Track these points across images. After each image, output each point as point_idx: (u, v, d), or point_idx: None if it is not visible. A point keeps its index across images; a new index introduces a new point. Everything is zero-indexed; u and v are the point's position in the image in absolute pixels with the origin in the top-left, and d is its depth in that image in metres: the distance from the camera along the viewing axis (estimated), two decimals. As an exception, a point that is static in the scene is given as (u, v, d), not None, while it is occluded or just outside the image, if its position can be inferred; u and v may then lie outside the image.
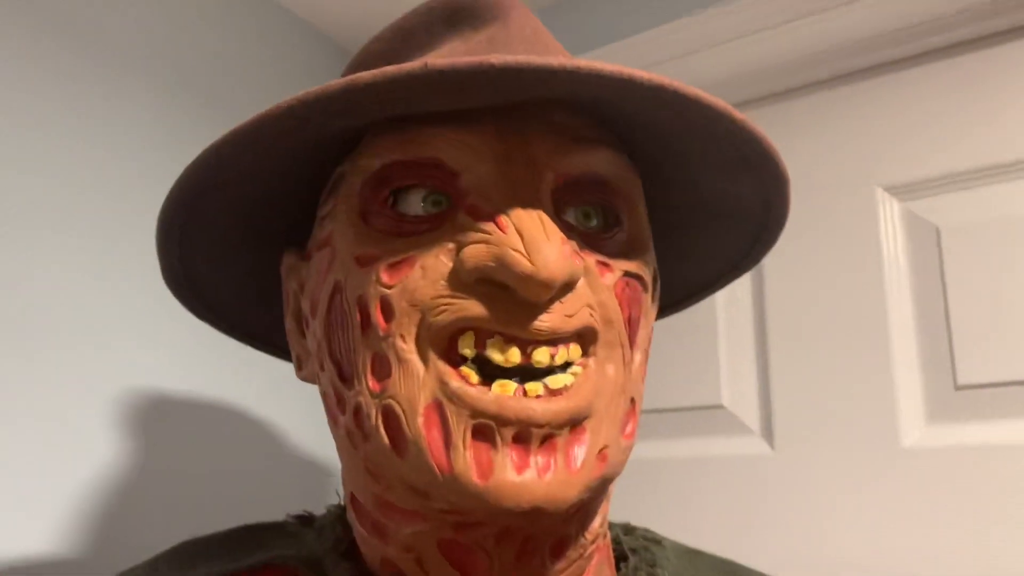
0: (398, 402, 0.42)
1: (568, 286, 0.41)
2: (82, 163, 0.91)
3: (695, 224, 0.57)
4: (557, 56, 0.49)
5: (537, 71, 0.38)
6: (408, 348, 0.42)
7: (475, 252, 0.41)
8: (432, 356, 0.42)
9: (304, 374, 0.53)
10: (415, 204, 0.44)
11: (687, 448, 1.05)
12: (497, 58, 0.37)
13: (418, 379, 0.41)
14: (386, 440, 0.42)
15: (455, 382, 0.41)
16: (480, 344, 0.41)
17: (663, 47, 1.06)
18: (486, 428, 0.40)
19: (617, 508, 1.04)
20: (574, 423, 0.42)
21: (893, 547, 0.88)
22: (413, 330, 0.42)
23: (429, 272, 0.42)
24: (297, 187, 0.51)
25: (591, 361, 0.44)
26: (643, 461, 1.07)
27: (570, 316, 0.42)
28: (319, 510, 0.66)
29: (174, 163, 1.01)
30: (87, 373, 0.89)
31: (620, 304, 0.45)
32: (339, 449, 0.50)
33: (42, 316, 0.86)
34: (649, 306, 0.49)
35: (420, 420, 0.41)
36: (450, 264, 0.42)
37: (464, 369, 0.41)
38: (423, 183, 0.44)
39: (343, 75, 0.57)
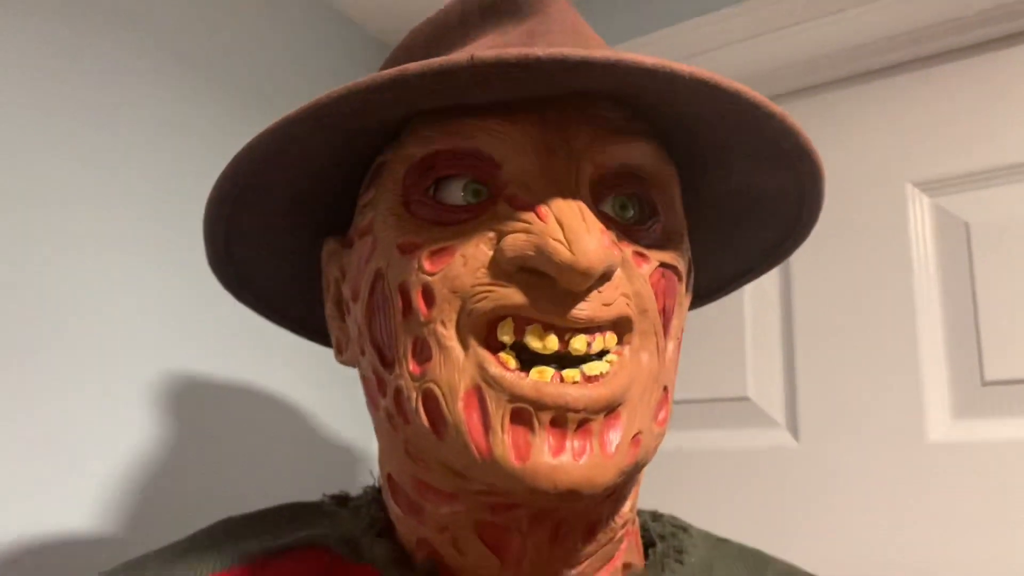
0: (438, 386, 0.42)
1: (606, 276, 0.42)
2: (122, 152, 0.93)
3: (729, 216, 0.57)
4: (600, 48, 0.49)
5: (580, 63, 0.38)
6: (448, 334, 0.43)
7: (516, 241, 0.41)
8: (472, 342, 0.42)
9: (344, 358, 0.54)
10: (455, 193, 0.45)
11: (712, 439, 1.05)
12: (542, 50, 0.37)
13: (458, 364, 0.42)
14: (426, 422, 0.43)
15: (494, 368, 0.41)
16: (519, 331, 0.42)
17: (695, 41, 1.05)
18: (524, 412, 0.41)
19: (642, 497, 1.05)
20: (609, 409, 0.42)
21: (917, 541, 0.88)
22: (454, 316, 0.43)
23: (470, 260, 0.43)
24: (335, 176, 0.51)
25: (626, 349, 0.44)
26: (668, 451, 1.07)
27: (607, 305, 0.43)
28: (346, 492, 0.67)
29: (209, 153, 1.02)
30: (124, 357, 0.91)
31: (655, 294, 0.46)
32: (378, 431, 0.51)
33: (83, 303, 0.88)
34: (683, 296, 0.50)
35: (460, 404, 0.42)
36: (490, 253, 0.43)
37: (503, 355, 0.42)
38: (464, 173, 0.45)
39: (384, 67, 0.58)
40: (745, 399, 1.04)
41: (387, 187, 0.47)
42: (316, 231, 0.58)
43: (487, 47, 0.49)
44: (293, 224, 0.56)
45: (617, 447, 0.42)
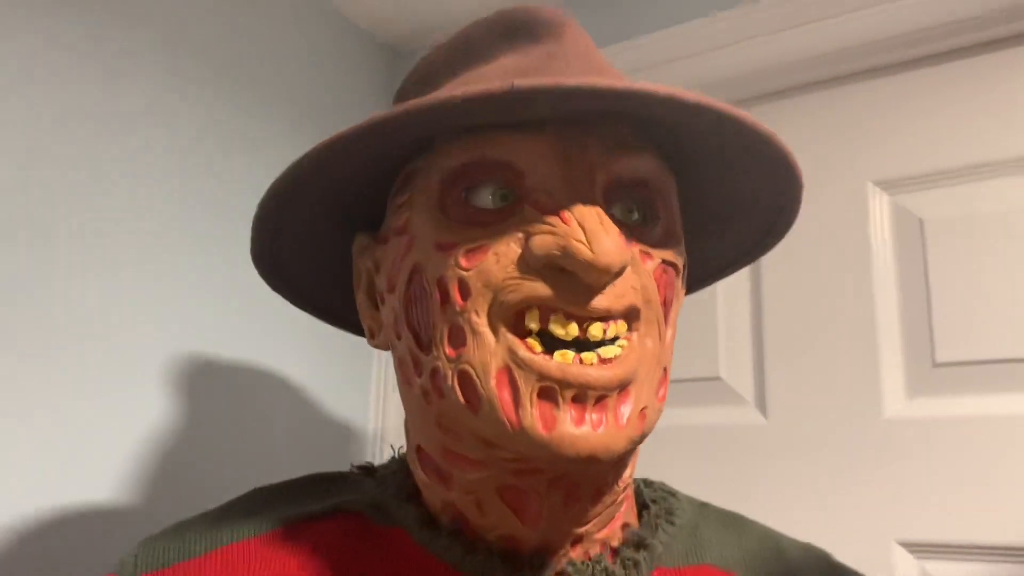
0: (472, 367, 0.47)
1: (620, 272, 0.47)
2: (141, 152, 0.96)
3: (718, 217, 0.62)
4: (618, 77, 0.54)
5: (606, 92, 0.43)
6: (481, 322, 0.47)
7: (543, 241, 0.46)
8: (502, 329, 0.47)
9: (376, 342, 0.58)
10: (484, 198, 0.49)
11: (687, 416, 1.08)
12: (574, 80, 0.42)
13: (490, 348, 0.47)
14: (461, 398, 0.48)
15: (523, 351, 0.46)
16: (544, 320, 0.47)
17: (670, 48, 1.09)
18: (550, 390, 0.46)
19: (621, 470, 1.10)
20: (621, 387, 0.47)
21: (875, 510, 0.93)
22: (486, 306, 0.47)
23: (501, 258, 0.47)
24: (363, 178, 0.56)
25: (634, 335, 0.49)
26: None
27: (620, 297, 0.48)
28: (345, 465, 0.71)
29: (219, 153, 1.06)
30: (140, 341, 0.94)
31: (658, 287, 0.51)
32: (409, 407, 0.55)
33: (107, 289, 0.91)
34: (679, 289, 0.55)
35: (492, 382, 0.46)
36: (519, 251, 0.47)
37: (529, 340, 0.47)
38: (493, 180, 0.49)
39: (409, 80, 0.62)
40: (717, 379, 1.08)
41: (422, 191, 0.52)
42: (342, 226, 0.62)
43: (509, 66, 0.54)
44: (323, 221, 0.60)
45: (628, 419, 0.48)
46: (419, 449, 0.56)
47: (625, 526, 0.58)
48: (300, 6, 1.20)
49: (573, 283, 0.46)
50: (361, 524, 0.58)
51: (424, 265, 0.50)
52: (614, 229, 0.46)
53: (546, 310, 0.47)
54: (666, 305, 0.52)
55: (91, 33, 0.91)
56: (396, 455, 0.65)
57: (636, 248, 0.50)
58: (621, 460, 0.52)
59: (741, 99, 1.12)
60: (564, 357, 0.46)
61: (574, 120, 0.50)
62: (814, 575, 0.64)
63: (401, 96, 0.62)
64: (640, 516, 0.62)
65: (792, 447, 1.00)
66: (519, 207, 0.49)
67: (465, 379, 0.48)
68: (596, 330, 0.47)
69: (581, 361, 0.47)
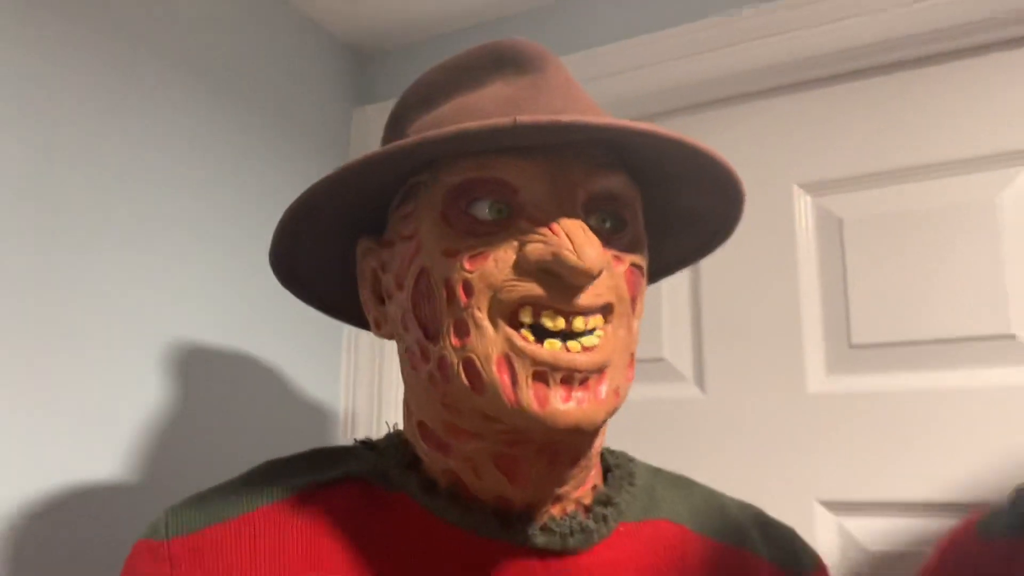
0: (476, 355, 0.54)
1: (599, 274, 0.55)
2: (140, 154, 1.00)
3: (678, 222, 0.70)
4: (594, 108, 0.62)
5: (593, 128, 0.51)
6: (483, 316, 0.55)
7: (536, 249, 0.54)
8: (500, 322, 0.54)
9: (382, 332, 0.65)
10: (482, 210, 0.56)
11: (635, 393, 1.15)
12: (567, 117, 0.50)
13: (491, 338, 0.54)
14: (466, 382, 0.55)
15: (519, 341, 0.54)
16: (536, 315, 0.54)
17: (620, 60, 1.18)
18: (543, 373, 0.53)
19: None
20: (600, 370, 0.55)
21: (798, 473, 1.01)
22: (487, 303, 0.55)
23: (500, 263, 0.55)
24: (368, 191, 0.62)
25: (609, 327, 0.57)
26: None
27: (598, 295, 0.56)
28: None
29: (209, 154, 1.10)
30: (143, 324, 0.99)
31: (627, 286, 0.58)
32: (415, 389, 0.62)
33: (108, 277, 0.95)
34: (644, 287, 0.63)
35: (494, 367, 0.54)
36: (515, 256, 0.55)
37: (524, 332, 0.54)
38: (491, 195, 0.56)
39: (409, 99, 0.67)
40: (661, 360, 1.15)
41: (427, 203, 0.58)
42: (343, 230, 0.68)
43: (501, 95, 0.61)
44: (330, 228, 0.66)
45: (605, 396, 0.56)
46: (421, 424, 0.63)
47: (595, 487, 0.66)
48: (264, 9, 1.24)
49: (560, 284, 0.54)
50: (367, 490, 0.64)
51: (431, 268, 0.57)
52: (595, 239, 0.54)
53: (538, 307, 0.54)
54: (634, 301, 0.60)
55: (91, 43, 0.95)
56: (392, 431, 0.71)
57: (610, 253, 0.58)
58: (597, 430, 0.60)
59: (683, 107, 1.19)
60: (553, 346, 0.54)
61: (559, 145, 0.58)
62: (750, 526, 0.73)
63: (402, 111, 0.67)
64: (606, 479, 0.70)
65: (727, 419, 1.08)
66: (514, 220, 0.56)
67: (470, 365, 0.55)
68: (579, 323, 0.55)
69: (568, 349, 0.54)
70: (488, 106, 0.60)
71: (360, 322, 0.78)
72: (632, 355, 0.61)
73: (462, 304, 0.55)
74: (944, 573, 0.60)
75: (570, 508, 0.64)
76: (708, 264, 1.15)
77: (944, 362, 0.98)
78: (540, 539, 0.61)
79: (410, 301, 0.59)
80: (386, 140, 0.69)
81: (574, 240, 0.54)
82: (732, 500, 0.76)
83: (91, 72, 0.96)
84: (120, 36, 1.00)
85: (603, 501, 0.66)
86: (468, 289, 0.55)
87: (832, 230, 1.08)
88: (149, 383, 0.98)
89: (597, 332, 0.57)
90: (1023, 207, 0.97)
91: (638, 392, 1.16)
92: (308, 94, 1.30)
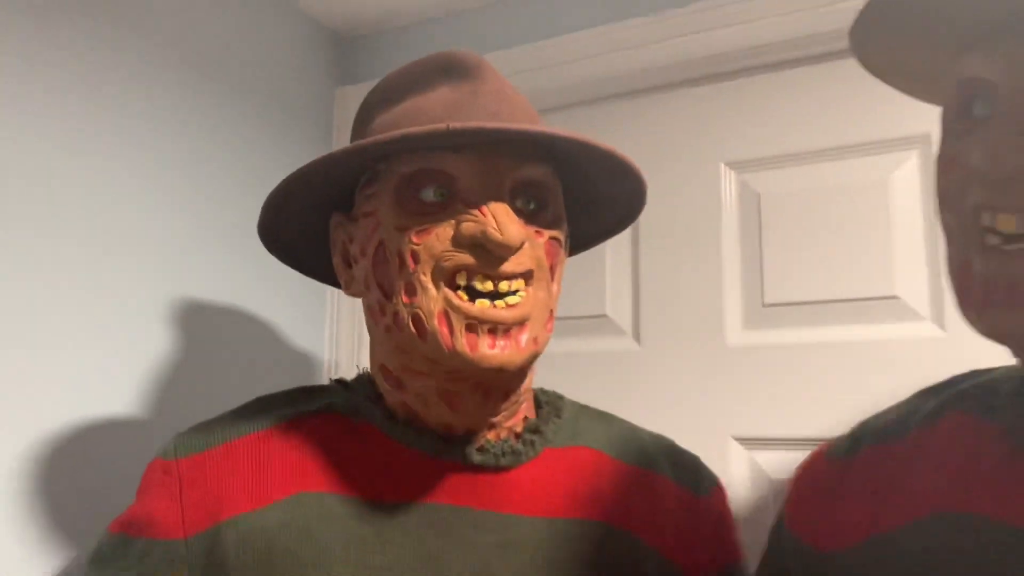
0: (421, 311, 0.66)
1: (520, 247, 0.66)
2: (138, 130, 1.10)
3: (592, 204, 0.81)
4: (523, 110, 0.72)
5: (504, 132, 0.62)
6: (427, 280, 0.66)
7: (469, 227, 0.65)
8: (441, 285, 0.66)
9: (351, 292, 0.76)
10: (428, 195, 0.68)
11: (581, 345, 1.26)
12: (493, 124, 0.61)
13: (433, 297, 0.66)
14: (414, 331, 0.67)
15: (456, 300, 0.65)
16: (469, 278, 0.66)
17: (567, 51, 1.29)
18: (474, 325, 0.65)
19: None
20: (520, 323, 0.67)
21: (718, 414, 1.13)
22: (430, 270, 0.66)
23: (440, 237, 0.66)
24: (337, 176, 0.73)
25: (530, 289, 0.68)
26: (551, 355, 1.29)
27: (520, 263, 0.67)
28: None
29: (194, 130, 1.20)
30: (147, 283, 1.10)
31: (547, 256, 0.70)
32: (376, 337, 0.74)
33: (118, 239, 1.06)
34: (563, 256, 0.74)
35: (435, 321, 0.66)
36: (452, 232, 0.66)
37: (459, 293, 0.66)
38: (434, 183, 0.67)
39: (374, 97, 0.76)
40: (604, 316, 1.26)
41: (384, 188, 0.69)
42: (318, 207, 0.79)
43: (447, 98, 0.71)
44: (308, 205, 0.77)
45: (525, 343, 0.67)
46: (383, 367, 0.75)
47: (526, 419, 0.79)
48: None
49: (488, 255, 0.66)
50: (340, 419, 0.76)
51: (387, 240, 0.69)
52: (516, 219, 0.66)
53: (471, 272, 0.66)
54: (552, 268, 0.72)
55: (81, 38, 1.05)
56: (361, 373, 0.84)
57: (532, 229, 0.70)
58: (521, 371, 0.72)
59: (622, 93, 1.29)
60: (482, 304, 0.66)
61: (490, 142, 0.69)
62: (659, 454, 0.85)
63: (367, 109, 0.78)
64: (538, 414, 0.82)
65: (659, 368, 1.20)
66: (452, 202, 0.68)
67: (417, 319, 0.67)
68: (504, 286, 0.67)
69: (495, 306, 0.66)
70: (435, 107, 0.71)
71: (334, 283, 0.90)
72: (551, 311, 0.73)
73: (411, 270, 0.67)
74: (798, 487, 0.73)
75: (503, 434, 0.76)
76: (646, 233, 1.25)
77: (841, 319, 1.10)
78: (477, 458, 0.73)
79: (371, 266, 0.71)
80: (355, 132, 0.80)
81: (499, 220, 0.65)
82: (647, 432, 0.88)
83: (88, 62, 1.05)
84: (115, 25, 1.09)
85: (532, 429, 0.78)
86: (415, 258, 0.67)
87: (751, 203, 1.19)
88: (157, 332, 1.10)
89: (520, 293, 0.68)
90: (910, 187, 1.09)
91: (585, 345, 1.28)
92: (294, 76, 1.39)
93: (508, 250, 0.65)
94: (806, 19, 1.12)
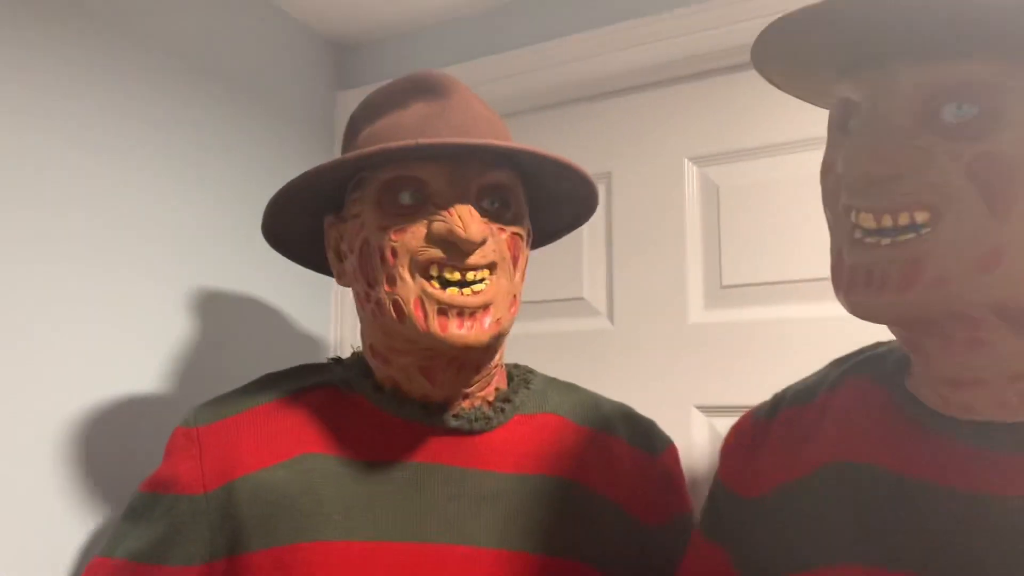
0: (401, 298, 0.76)
1: (483, 242, 0.76)
2: (141, 134, 1.20)
3: (552, 202, 0.90)
4: (489, 123, 0.80)
5: (480, 146, 0.72)
6: (404, 272, 0.76)
7: (439, 226, 0.75)
8: (417, 275, 0.76)
9: (342, 282, 0.86)
10: (404, 198, 0.77)
11: (559, 326, 1.34)
12: (455, 140, 0.70)
13: (410, 287, 0.76)
14: (394, 316, 0.77)
15: (429, 288, 0.75)
16: (440, 270, 0.75)
17: (539, 59, 1.37)
18: (444, 310, 0.75)
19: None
20: (484, 307, 0.77)
21: (681, 384, 1.21)
22: (407, 263, 0.76)
23: (415, 235, 0.75)
24: (328, 182, 0.82)
25: (494, 278, 0.78)
26: (530, 335, 1.37)
27: (484, 256, 0.77)
28: (339, 356, 0.97)
29: (197, 138, 1.29)
30: (172, 276, 1.20)
31: (509, 249, 0.80)
32: (365, 321, 0.84)
33: (141, 233, 1.16)
34: (525, 249, 0.83)
35: (411, 306, 0.76)
36: (425, 231, 0.75)
37: (433, 282, 0.76)
38: (410, 187, 0.77)
39: (360, 112, 0.86)
40: (581, 298, 1.34)
41: (367, 191, 0.79)
42: (313, 210, 0.88)
43: (422, 112, 0.80)
44: (304, 208, 0.86)
45: (488, 325, 0.77)
46: (371, 347, 0.85)
47: (497, 389, 0.89)
48: (252, 11, 1.41)
49: (456, 249, 0.76)
50: (336, 393, 0.86)
51: (370, 238, 0.78)
52: (479, 218, 0.75)
53: (441, 264, 0.76)
54: (515, 260, 0.81)
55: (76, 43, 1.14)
56: (354, 351, 0.94)
57: (495, 226, 0.80)
58: (489, 348, 0.81)
59: (594, 96, 1.38)
60: (452, 291, 0.76)
61: (458, 153, 0.79)
62: (617, 419, 0.95)
63: (354, 123, 0.87)
64: (508, 384, 0.92)
65: (629, 344, 1.29)
66: (425, 205, 0.77)
67: (396, 305, 0.77)
68: (471, 275, 0.76)
69: (462, 293, 0.76)
70: (411, 122, 0.80)
71: (330, 274, 0.99)
72: (515, 297, 0.82)
73: (390, 264, 0.77)
74: (729, 444, 0.82)
75: (476, 403, 0.86)
76: (619, 222, 1.34)
77: (792, 298, 1.19)
78: (453, 423, 0.83)
79: (358, 261, 0.81)
80: (344, 142, 0.90)
81: (463, 219, 0.75)
82: (608, 400, 0.97)
83: (92, 69, 1.15)
84: (125, 36, 1.19)
85: (502, 399, 0.88)
86: (394, 253, 0.77)
87: (711, 194, 1.27)
88: (180, 319, 1.20)
89: (485, 281, 0.78)
90: (851, 177, 1.17)
91: (564, 325, 1.37)
92: (297, 82, 1.48)
93: (471, 245, 0.74)
94: (761, 27, 1.20)
